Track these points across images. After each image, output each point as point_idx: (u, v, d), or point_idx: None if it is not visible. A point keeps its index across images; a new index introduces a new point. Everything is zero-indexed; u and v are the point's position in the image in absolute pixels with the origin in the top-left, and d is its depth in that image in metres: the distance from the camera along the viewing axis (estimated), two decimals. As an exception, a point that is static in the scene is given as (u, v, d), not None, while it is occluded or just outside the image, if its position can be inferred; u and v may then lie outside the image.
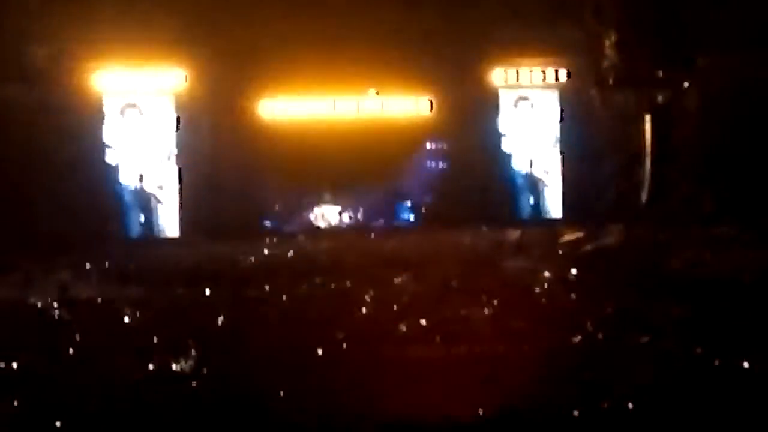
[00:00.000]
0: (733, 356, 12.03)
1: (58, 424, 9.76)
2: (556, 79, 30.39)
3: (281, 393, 10.75)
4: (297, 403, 10.44)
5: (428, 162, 29.90)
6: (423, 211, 29.51)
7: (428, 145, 29.86)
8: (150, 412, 10.23)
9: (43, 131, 24.84)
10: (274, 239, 25.71)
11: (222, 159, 26.66)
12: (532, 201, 31.06)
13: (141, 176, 27.11)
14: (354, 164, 27.73)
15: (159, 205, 27.35)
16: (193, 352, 12.91)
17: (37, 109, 24.86)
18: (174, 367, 12.13)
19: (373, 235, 26.11)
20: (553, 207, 31.15)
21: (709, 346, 12.70)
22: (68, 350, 13.27)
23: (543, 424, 9.55)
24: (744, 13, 28.24)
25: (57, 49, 25.09)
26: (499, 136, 30.62)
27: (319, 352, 12.72)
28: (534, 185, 31.18)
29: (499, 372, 11.47)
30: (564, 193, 30.98)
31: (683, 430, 9.43)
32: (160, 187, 27.27)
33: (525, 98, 30.96)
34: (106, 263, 21.78)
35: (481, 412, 9.85)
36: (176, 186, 27.26)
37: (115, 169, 26.90)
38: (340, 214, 29.20)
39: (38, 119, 24.85)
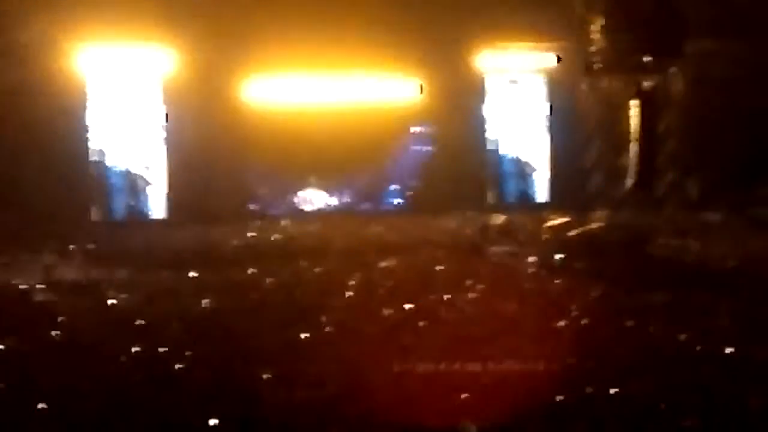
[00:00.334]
0: (716, 342, 12.08)
1: (41, 405, 9.72)
2: (545, 63, 30.43)
3: (266, 376, 10.73)
4: (282, 387, 10.43)
5: (415, 146, 29.89)
6: (409, 195, 29.50)
7: (415, 129, 29.84)
8: (134, 395, 10.20)
9: (27, 113, 24.70)
10: (260, 222, 25.66)
11: (209, 141, 26.59)
12: (518, 186, 31.12)
13: (127, 158, 27.03)
14: (341, 148, 27.72)
15: (145, 187, 27.29)
16: (177, 334, 12.91)
17: (19, 91, 24.70)
18: (158, 349, 12.09)
19: (359, 219, 26.07)
20: (540, 192, 31.21)
21: (694, 332, 12.75)
22: (52, 332, 13.23)
23: (527, 409, 9.56)
24: (731, 1, 28.29)
25: (41, 29, 24.87)
26: (486, 120, 30.64)
27: (304, 335, 12.71)
28: (521, 170, 31.23)
29: (484, 356, 11.47)
30: (551, 178, 31.05)
31: (666, 415, 9.44)
32: (147, 169, 27.21)
33: (513, 82, 30.97)
34: (91, 245, 21.72)
35: (465, 395, 9.84)
36: (163, 168, 27.18)
37: (100, 151, 26.79)
38: (326, 197, 29.17)
39: (21, 101, 24.70)
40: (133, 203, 27.16)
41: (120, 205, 27.11)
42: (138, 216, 27.11)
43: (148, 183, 27.27)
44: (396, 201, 29.64)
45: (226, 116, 26.98)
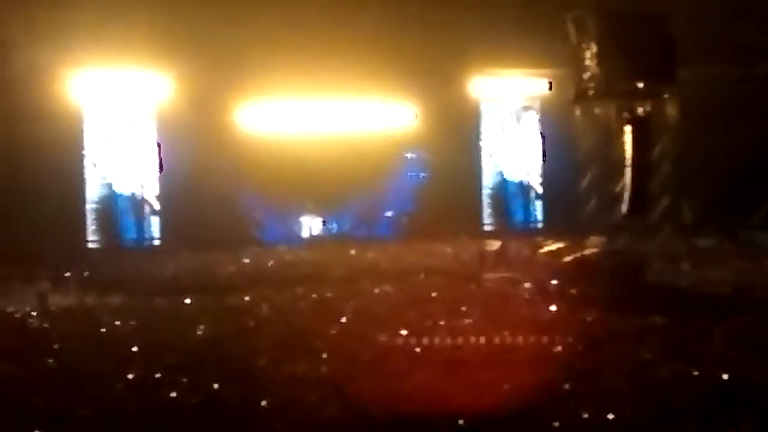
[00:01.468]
0: (712, 367, 12.09)
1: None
2: (539, 90, 30.55)
3: (262, 403, 10.72)
4: (277, 412, 10.43)
5: (410, 172, 29.91)
6: (404, 220, 29.50)
7: (410, 155, 29.87)
8: (129, 422, 10.19)
9: (22, 138, 24.69)
10: (255, 248, 25.65)
11: (204, 167, 26.56)
12: (512, 211, 31.17)
13: (123, 184, 27.02)
14: (337, 174, 27.73)
15: (141, 214, 27.28)
16: (172, 361, 12.88)
17: (15, 118, 24.72)
18: (153, 376, 12.08)
19: (354, 245, 26.07)
20: (535, 217, 31.28)
21: (688, 357, 12.76)
22: (47, 358, 13.21)
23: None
24: (723, 28, 28.44)
25: (37, 56, 24.90)
26: (480, 146, 30.74)
27: (300, 361, 12.70)
28: (515, 196, 31.30)
29: (480, 381, 11.48)
30: (545, 204, 31.12)
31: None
32: (142, 195, 27.19)
33: (507, 109, 31.08)
34: (86, 272, 21.69)
35: (461, 422, 9.84)
36: (158, 194, 27.18)
37: (96, 178, 26.78)
38: (322, 224, 29.17)
39: (17, 127, 24.70)
40: (128, 229, 27.13)
41: (115, 231, 27.06)
42: (133, 242, 27.08)
43: (143, 209, 27.27)
44: (392, 227, 29.59)
45: (221, 143, 26.98)
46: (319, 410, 10.40)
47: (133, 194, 27.17)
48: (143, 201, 27.24)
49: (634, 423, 9.88)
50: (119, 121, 26.99)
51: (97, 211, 26.80)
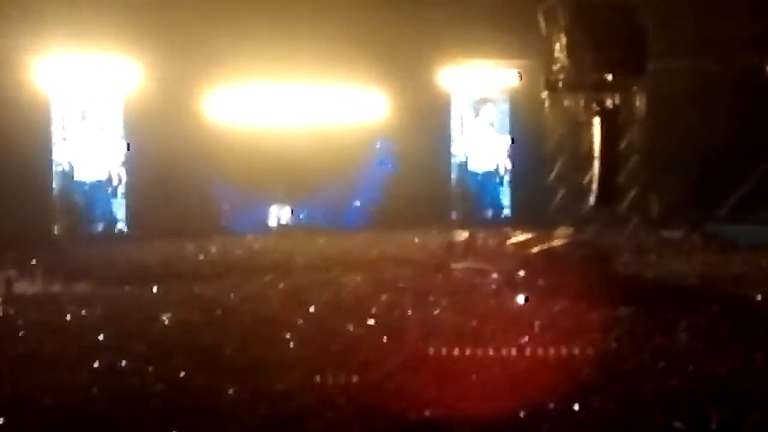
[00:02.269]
0: (679, 359, 12.17)
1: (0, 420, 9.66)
2: (508, 81, 30.61)
3: (229, 391, 10.70)
4: (245, 402, 10.40)
5: (380, 162, 29.91)
6: (374, 211, 29.49)
7: (380, 146, 29.87)
8: (95, 410, 10.14)
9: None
10: (224, 237, 25.56)
11: (172, 155, 26.42)
12: (481, 202, 31.25)
13: (90, 172, 26.86)
14: (307, 164, 27.72)
15: (108, 201, 27.12)
16: (138, 349, 12.83)
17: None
18: (119, 364, 12.03)
19: (323, 235, 26.05)
20: (503, 208, 31.38)
21: (655, 348, 12.83)
22: (13, 347, 13.13)
23: (491, 425, 9.59)
24: (693, 20, 28.58)
25: (3, 43, 24.66)
26: (450, 136, 30.79)
27: (268, 350, 12.69)
28: (484, 186, 31.37)
29: (446, 373, 11.49)
30: (514, 195, 31.21)
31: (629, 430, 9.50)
32: (111, 183, 27.04)
33: (477, 100, 31.14)
34: (53, 259, 21.56)
35: (428, 412, 9.85)
36: (126, 182, 27.04)
37: (63, 165, 26.59)
38: (291, 213, 29.12)
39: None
40: (95, 217, 26.97)
41: (82, 218, 26.89)
42: (101, 230, 26.91)
43: (111, 197, 27.11)
44: (361, 217, 29.56)
45: (190, 131, 26.85)
46: (287, 400, 10.39)
47: (100, 181, 27.00)
48: (111, 188, 27.07)
49: (601, 414, 9.92)
50: (86, 107, 26.80)
51: (63, 197, 26.61)
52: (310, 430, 9.54)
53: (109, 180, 27.10)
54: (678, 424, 9.47)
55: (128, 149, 26.91)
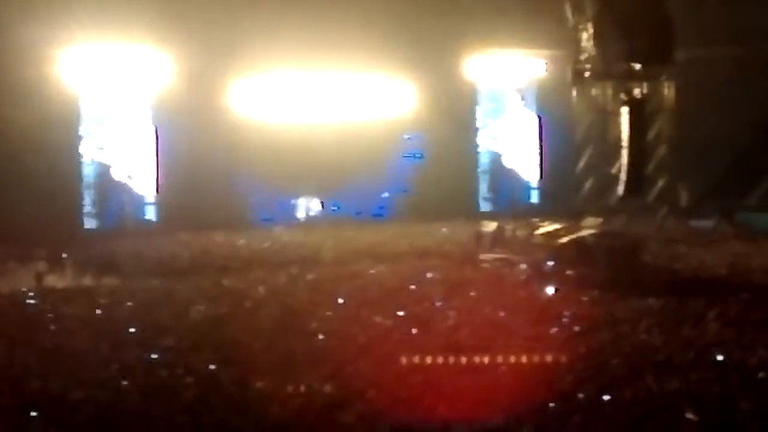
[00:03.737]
0: (708, 348, 12.11)
1: (33, 413, 9.72)
2: (536, 71, 30.51)
3: (258, 384, 10.73)
4: (273, 393, 10.43)
5: (408, 154, 29.86)
6: (402, 202, 29.44)
7: (408, 138, 29.81)
8: (125, 403, 10.19)
9: (18, 120, 24.51)
10: (252, 230, 25.59)
11: (201, 149, 26.47)
12: (510, 193, 31.15)
13: (119, 166, 26.93)
14: (335, 156, 27.70)
15: (137, 195, 27.19)
16: (168, 343, 12.88)
17: (11, 98, 24.52)
18: (150, 357, 12.08)
19: (351, 227, 26.03)
20: (532, 199, 31.28)
21: (685, 338, 12.78)
22: (44, 340, 13.20)
23: (520, 414, 9.58)
24: (720, 9, 28.38)
25: (32, 35, 24.67)
26: (477, 128, 30.73)
27: (296, 342, 12.71)
28: (512, 177, 31.28)
29: (476, 362, 11.50)
30: (542, 186, 31.11)
31: (659, 421, 9.47)
32: (140, 178, 27.09)
33: (504, 90, 31.05)
34: (83, 253, 21.64)
35: (459, 401, 9.86)
36: (155, 175, 27.09)
37: (93, 159, 26.67)
38: (321, 205, 29.10)
39: (12, 108, 24.51)
40: (124, 211, 27.04)
41: (112, 212, 26.97)
42: (130, 224, 26.97)
43: (140, 191, 27.17)
44: (390, 208, 29.48)
45: (218, 124, 26.89)
46: (317, 392, 10.40)
47: (129, 176, 27.08)
48: (140, 182, 27.14)
49: (631, 404, 9.89)
50: (115, 100, 26.83)
51: (93, 192, 26.71)
52: (341, 423, 9.54)
53: (138, 173, 27.14)
54: (707, 415, 9.43)
55: (157, 142, 26.95)
